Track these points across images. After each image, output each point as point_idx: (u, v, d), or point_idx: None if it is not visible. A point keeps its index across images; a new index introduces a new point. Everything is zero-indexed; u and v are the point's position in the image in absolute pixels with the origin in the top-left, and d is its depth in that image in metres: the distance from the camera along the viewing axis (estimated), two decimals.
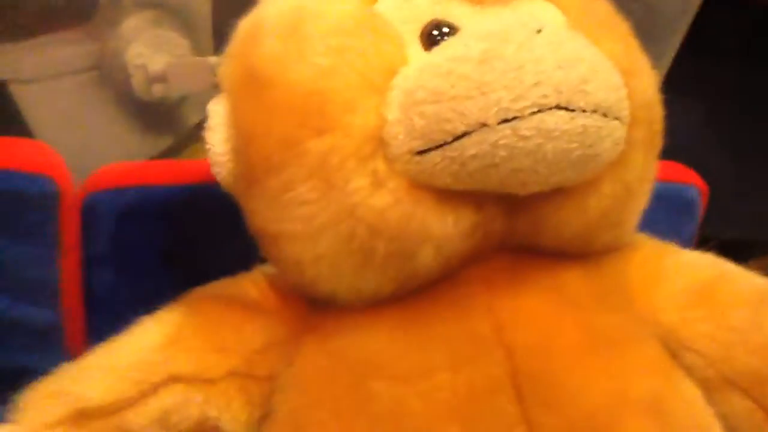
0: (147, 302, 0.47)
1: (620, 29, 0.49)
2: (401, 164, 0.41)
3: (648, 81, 0.47)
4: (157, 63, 0.77)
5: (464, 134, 0.39)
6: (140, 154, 0.79)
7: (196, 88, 0.77)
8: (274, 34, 0.45)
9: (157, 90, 0.78)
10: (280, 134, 0.43)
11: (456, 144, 0.40)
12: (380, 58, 0.43)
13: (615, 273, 0.47)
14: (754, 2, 0.96)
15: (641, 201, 0.48)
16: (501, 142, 0.39)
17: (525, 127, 0.39)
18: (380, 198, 0.41)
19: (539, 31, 0.40)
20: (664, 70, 0.89)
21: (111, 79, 0.78)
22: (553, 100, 0.39)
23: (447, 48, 0.42)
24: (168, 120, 0.82)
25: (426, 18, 0.45)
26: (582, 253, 0.46)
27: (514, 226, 0.44)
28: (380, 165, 0.41)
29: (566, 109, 0.39)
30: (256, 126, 0.44)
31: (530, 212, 0.43)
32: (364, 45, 0.43)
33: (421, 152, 0.41)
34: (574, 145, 0.40)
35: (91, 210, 0.54)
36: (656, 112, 0.47)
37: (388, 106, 0.41)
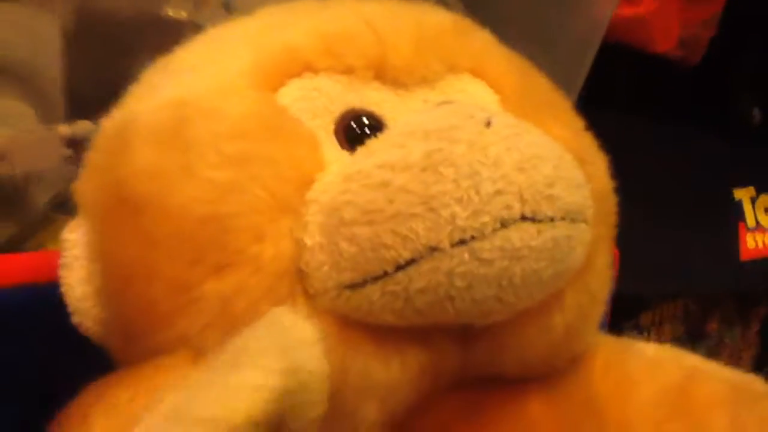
0: None
1: (564, 109, 0.42)
2: (327, 301, 0.34)
3: (602, 167, 0.41)
4: None
5: (410, 262, 0.32)
6: None
7: (44, 165, 0.67)
8: (150, 141, 0.35)
9: None
10: (166, 275, 0.34)
11: (400, 275, 0.33)
12: (292, 167, 0.34)
13: (580, 390, 0.41)
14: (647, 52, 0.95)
15: (603, 305, 0.42)
16: (458, 269, 0.32)
17: (487, 248, 0.32)
18: None
19: (489, 123, 0.33)
20: None
21: None
22: (517, 211, 0.32)
23: (378, 150, 0.34)
24: (12, 203, 0.72)
25: (340, 108, 0.37)
26: (545, 374, 0.39)
27: (470, 358, 0.37)
28: (300, 306, 0.34)
29: (532, 219, 0.32)
30: (133, 265, 0.35)
31: (488, 339, 0.37)
32: (271, 151, 0.34)
33: (352, 286, 0.33)
34: (544, 263, 0.33)
35: None
36: (612, 202, 0.41)
37: (306, 227, 0.34)
